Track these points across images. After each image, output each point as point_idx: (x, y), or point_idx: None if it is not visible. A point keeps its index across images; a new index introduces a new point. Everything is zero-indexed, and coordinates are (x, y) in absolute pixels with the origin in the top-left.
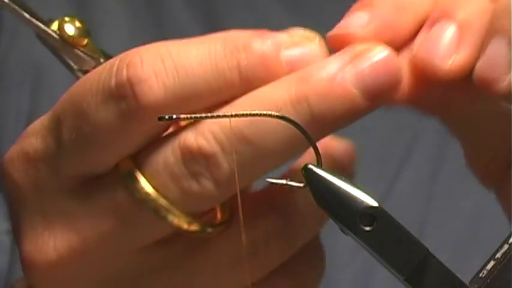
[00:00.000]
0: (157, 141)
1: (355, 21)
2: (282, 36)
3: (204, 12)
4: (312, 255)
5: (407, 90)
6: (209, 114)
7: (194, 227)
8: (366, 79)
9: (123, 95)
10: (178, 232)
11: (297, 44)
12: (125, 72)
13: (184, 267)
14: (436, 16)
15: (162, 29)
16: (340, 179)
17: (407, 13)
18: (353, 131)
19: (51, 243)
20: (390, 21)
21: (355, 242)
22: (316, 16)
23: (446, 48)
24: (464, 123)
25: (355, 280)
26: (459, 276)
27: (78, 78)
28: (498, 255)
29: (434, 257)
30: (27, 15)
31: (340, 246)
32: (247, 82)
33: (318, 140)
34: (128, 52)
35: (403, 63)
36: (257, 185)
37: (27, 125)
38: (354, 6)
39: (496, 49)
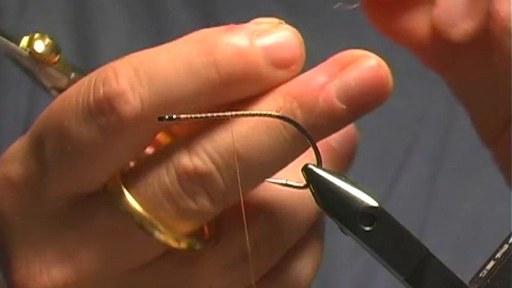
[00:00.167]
0: (148, 161)
1: None
2: (251, 26)
3: (203, 13)
4: (306, 250)
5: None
6: (209, 114)
7: (183, 245)
8: (352, 92)
9: (102, 111)
10: (168, 250)
11: (267, 31)
12: (101, 88)
13: (175, 283)
14: None
15: (160, 29)
16: (340, 179)
17: None
18: None
19: (44, 271)
20: None
21: (355, 243)
22: (316, 16)
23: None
24: (466, 79)
25: (355, 281)
26: (459, 276)
27: (52, 96)
28: (498, 255)
29: (434, 257)
30: None
31: (340, 247)
32: (228, 77)
33: (302, 151)
34: (103, 67)
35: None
36: None
37: (25, 126)
38: None
39: None
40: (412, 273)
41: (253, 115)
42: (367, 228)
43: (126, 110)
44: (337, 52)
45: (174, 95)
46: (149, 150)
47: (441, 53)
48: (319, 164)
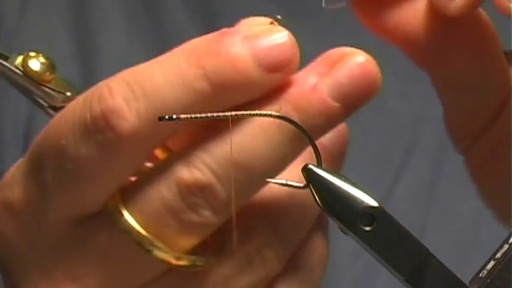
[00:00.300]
0: (147, 177)
1: None
2: (242, 31)
3: (202, 14)
4: (311, 252)
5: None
6: (209, 114)
7: (184, 262)
8: (345, 90)
9: (99, 128)
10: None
11: (257, 35)
12: (97, 105)
13: None
14: None
15: (160, 30)
16: (340, 179)
17: None
18: (353, 134)
19: None
20: None
21: (355, 246)
22: (315, 18)
23: None
24: (454, 77)
25: (355, 284)
26: (459, 276)
27: (49, 115)
28: (498, 255)
29: (434, 257)
30: None
31: (340, 250)
32: (220, 87)
33: (300, 152)
34: (98, 84)
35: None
36: None
37: (26, 127)
38: None
39: None
40: (412, 273)
41: (253, 115)
42: (367, 228)
43: (123, 125)
44: None
45: (170, 108)
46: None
47: (429, 48)
48: (319, 164)
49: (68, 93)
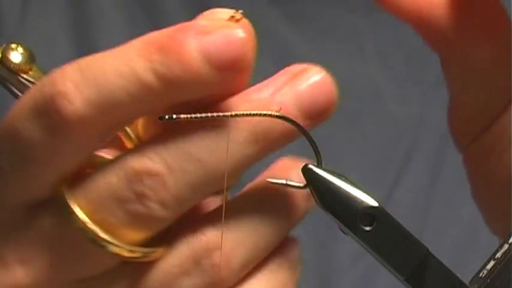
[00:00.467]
0: (99, 168)
1: None
2: (198, 25)
3: None
4: (278, 257)
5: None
6: (209, 114)
7: (136, 254)
8: (304, 99)
9: (47, 111)
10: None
11: (210, 31)
12: (48, 88)
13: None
14: None
15: None
16: (340, 179)
17: None
18: (353, 138)
19: (7, 279)
20: None
21: (356, 249)
22: (315, 21)
23: None
24: (462, 69)
25: (356, 286)
26: (459, 276)
27: None
28: (498, 255)
29: (434, 257)
30: None
31: (341, 253)
32: (167, 82)
33: (261, 158)
34: (55, 70)
35: None
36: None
37: None
38: None
39: None
40: (412, 273)
41: (253, 115)
42: (367, 228)
43: (68, 109)
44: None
45: (117, 97)
46: None
47: (444, 26)
48: (319, 164)
49: None
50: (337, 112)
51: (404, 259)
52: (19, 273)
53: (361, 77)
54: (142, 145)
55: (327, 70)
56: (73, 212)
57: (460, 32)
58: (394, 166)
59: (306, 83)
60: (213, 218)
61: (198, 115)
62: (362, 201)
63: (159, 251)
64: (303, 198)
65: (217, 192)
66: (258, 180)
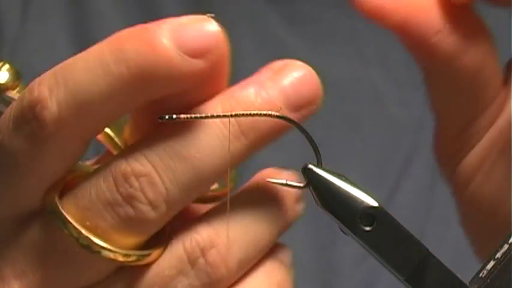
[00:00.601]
0: (87, 174)
1: None
2: (171, 21)
3: None
4: (273, 258)
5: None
6: (209, 114)
7: (131, 258)
8: (289, 93)
9: (27, 119)
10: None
11: (185, 23)
12: (26, 96)
13: None
14: None
15: None
16: (341, 179)
17: None
18: (353, 141)
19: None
20: None
21: (357, 253)
22: (315, 24)
23: None
24: (446, 78)
25: None
26: (459, 276)
27: None
28: (498, 255)
29: (434, 257)
30: None
31: (342, 257)
32: (138, 72)
33: (250, 153)
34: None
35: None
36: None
37: None
38: None
39: None
40: (412, 273)
41: (253, 115)
42: (367, 228)
43: (44, 115)
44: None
45: (89, 94)
46: None
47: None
48: (319, 164)
49: None
50: (337, 115)
51: (404, 259)
52: (15, 287)
53: (362, 79)
54: (128, 148)
55: (327, 73)
56: (67, 220)
57: (447, 36)
58: (394, 169)
59: (289, 77)
60: (207, 218)
61: (198, 115)
62: (362, 201)
63: (154, 254)
64: (294, 200)
65: (205, 201)
66: (248, 184)
